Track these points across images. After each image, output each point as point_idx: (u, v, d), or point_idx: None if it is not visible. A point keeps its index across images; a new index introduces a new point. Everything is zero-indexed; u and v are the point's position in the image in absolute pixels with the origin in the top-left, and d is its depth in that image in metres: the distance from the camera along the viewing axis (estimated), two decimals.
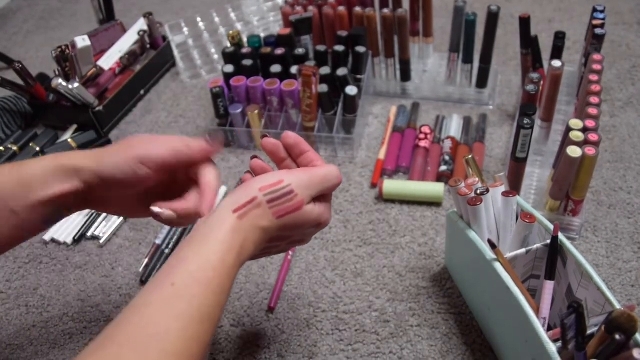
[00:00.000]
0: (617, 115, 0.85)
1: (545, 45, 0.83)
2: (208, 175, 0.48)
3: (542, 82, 0.74)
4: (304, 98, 0.80)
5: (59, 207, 0.46)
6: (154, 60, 1.03)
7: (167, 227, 0.74)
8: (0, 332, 0.65)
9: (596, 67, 0.68)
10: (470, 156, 0.56)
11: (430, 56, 0.96)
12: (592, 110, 0.62)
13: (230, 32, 0.91)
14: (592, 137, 0.59)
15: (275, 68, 0.85)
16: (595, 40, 0.73)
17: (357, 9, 0.87)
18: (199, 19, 1.11)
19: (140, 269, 0.70)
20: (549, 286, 0.50)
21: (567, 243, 0.51)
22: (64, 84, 0.85)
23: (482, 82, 0.89)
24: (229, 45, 0.91)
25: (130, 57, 1.00)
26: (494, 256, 0.51)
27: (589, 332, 0.43)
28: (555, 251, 0.51)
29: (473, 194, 0.53)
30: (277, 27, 1.11)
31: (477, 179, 0.54)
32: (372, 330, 0.61)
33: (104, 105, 0.91)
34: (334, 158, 0.84)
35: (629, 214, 0.70)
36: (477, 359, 0.58)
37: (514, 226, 0.55)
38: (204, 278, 0.38)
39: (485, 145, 0.82)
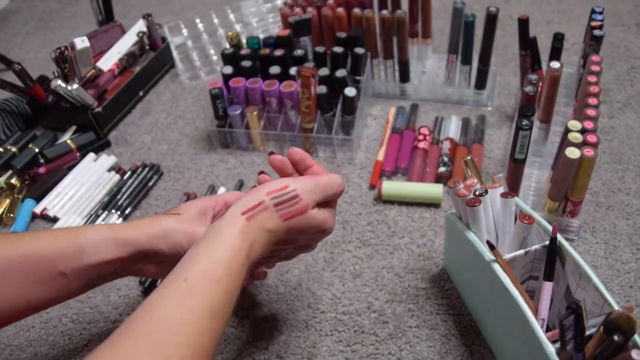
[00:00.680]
0: (616, 117, 0.85)
1: (544, 47, 0.83)
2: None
3: (540, 84, 0.74)
4: (303, 99, 0.80)
5: (105, 274, 0.49)
6: (153, 62, 1.03)
7: None
8: (0, 333, 0.65)
9: (595, 68, 0.68)
10: (469, 157, 0.56)
11: (429, 57, 0.96)
12: (591, 112, 0.62)
13: (229, 33, 0.91)
14: (591, 138, 0.59)
15: (274, 69, 0.85)
16: (593, 42, 0.73)
17: (356, 10, 0.87)
18: (198, 20, 1.12)
19: None
20: (547, 287, 0.50)
21: (566, 244, 0.51)
22: (63, 85, 0.85)
23: (480, 83, 0.89)
24: (228, 46, 0.91)
25: (130, 59, 1.00)
26: (492, 257, 0.51)
27: (587, 333, 0.43)
28: (553, 252, 0.51)
29: (472, 195, 0.53)
30: (276, 29, 1.11)
31: (475, 180, 0.54)
32: (371, 331, 0.61)
33: (103, 106, 0.91)
34: (333, 159, 0.84)
35: (627, 215, 0.70)
36: None
37: (512, 227, 0.55)
38: (214, 276, 0.40)
39: (484, 147, 0.83)
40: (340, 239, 0.72)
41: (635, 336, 0.41)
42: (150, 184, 0.83)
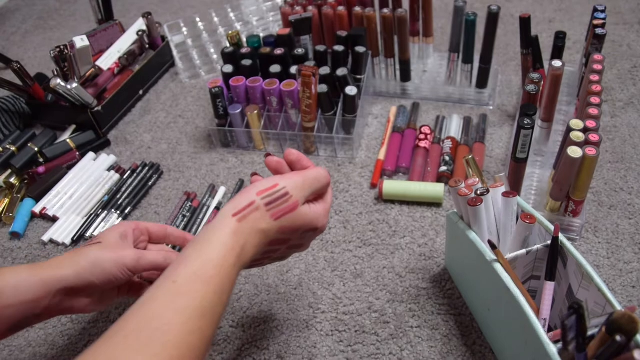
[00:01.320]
0: (618, 116, 0.85)
1: (546, 46, 0.83)
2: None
3: (542, 83, 0.74)
4: (304, 98, 0.79)
5: (28, 315, 0.48)
6: (152, 61, 1.02)
7: None
8: None
9: (597, 67, 0.68)
10: (470, 156, 0.56)
11: (430, 56, 0.96)
12: (593, 111, 0.62)
13: (230, 32, 0.91)
14: (593, 137, 0.59)
15: (275, 68, 0.85)
16: (595, 40, 0.73)
17: (357, 9, 0.87)
18: (198, 19, 1.11)
19: None
20: (549, 287, 0.50)
21: (568, 244, 0.51)
22: (63, 84, 0.85)
23: (482, 82, 0.89)
24: (228, 45, 0.91)
25: (129, 57, 1.00)
26: (494, 257, 0.51)
27: (589, 333, 0.43)
28: (555, 252, 0.51)
29: (473, 195, 0.52)
30: (276, 27, 1.11)
31: (477, 180, 0.54)
32: (372, 331, 0.61)
33: (102, 105, 0.91)
34: (334, 158, 0.84)
35: (629, 214, 0.70)
36: None
37: (514, 227, 0.55)
38: (205, 276, 0.40)
39: (486, 146, 0.82)
40: (341, 238, 0.72)
41: (638, 336, 0.41)
42: (150, 183, 0.83)
